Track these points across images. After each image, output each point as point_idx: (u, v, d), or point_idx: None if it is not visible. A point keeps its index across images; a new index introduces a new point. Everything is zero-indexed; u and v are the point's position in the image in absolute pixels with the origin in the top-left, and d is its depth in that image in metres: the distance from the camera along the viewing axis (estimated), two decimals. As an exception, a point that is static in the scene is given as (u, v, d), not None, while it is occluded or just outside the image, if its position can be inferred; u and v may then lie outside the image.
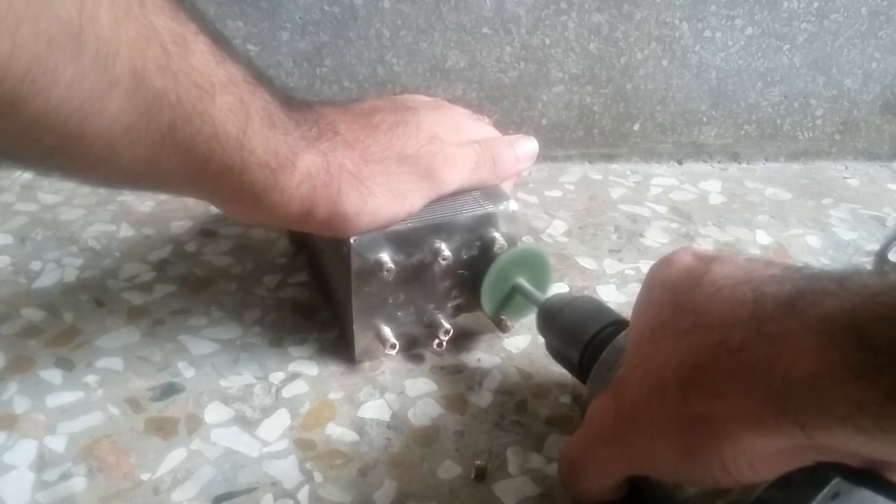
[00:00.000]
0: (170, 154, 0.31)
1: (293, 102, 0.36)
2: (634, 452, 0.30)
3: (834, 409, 0.22)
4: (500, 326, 0.43)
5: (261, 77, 0.34)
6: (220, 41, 0.32)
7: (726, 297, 0.27)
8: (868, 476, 0.25)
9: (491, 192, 0.42)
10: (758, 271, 0.28)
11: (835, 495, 0.26)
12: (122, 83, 0.28)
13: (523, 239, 0.55)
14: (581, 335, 0.37)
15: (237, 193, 0.34)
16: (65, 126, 0.28)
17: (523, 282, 0.42)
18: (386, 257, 0.39)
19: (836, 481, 0.25)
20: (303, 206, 0.36)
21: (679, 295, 0.29)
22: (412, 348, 0.43)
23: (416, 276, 0.40)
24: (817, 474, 0.26)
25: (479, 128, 0.45)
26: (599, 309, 0.38)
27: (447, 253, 0.40)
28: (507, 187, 0.44)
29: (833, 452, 0.25)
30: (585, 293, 0.49)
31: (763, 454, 0.25)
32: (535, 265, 0.42)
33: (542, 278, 0.43)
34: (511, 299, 0.42)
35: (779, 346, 0.24)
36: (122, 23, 0.28)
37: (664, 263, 0.32)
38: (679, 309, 0.29)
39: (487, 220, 0.41)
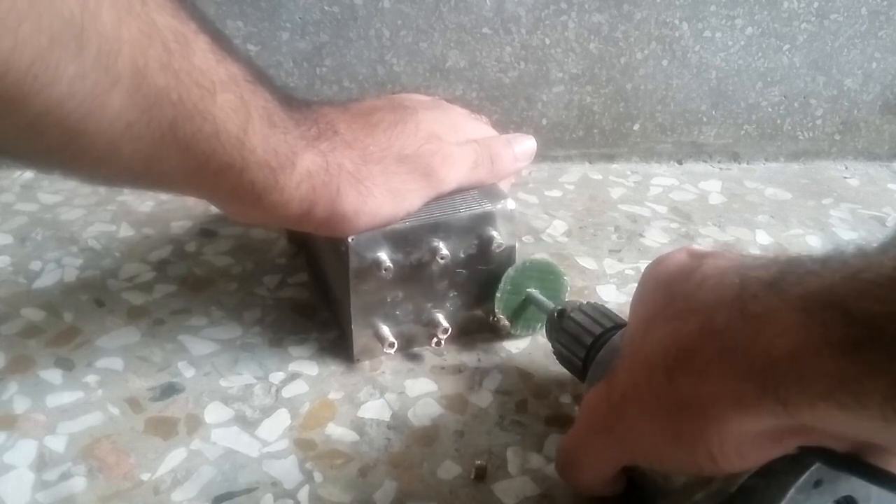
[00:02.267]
0: (170, 152, 0.31)
1: (293, 102, 0.36)
2: (625, 441, 0.30)
3: (815, 384, 0.22)
4: (498, 329, 0.43)
5: (261, 76, 0.34)
6: (220, 40, 0.32)
7: (714, 285, 0.28)
8: (851, 461, 0.25)
9: (489, 191, 0.42)
10: (746, 262, 0.28)
11: (817, 482, 0.26)
12: (124, 81, 0.28)
13: (529, 238, 0.55)
14: (584, 339, 0.37)
15: (237, 193, 0.34)
16: (66, 123, 0.28)
17: (535, 291, 0.42)
18: (384, 256, 0.39)
19: (816, 467, 0.25)
20: (302, 205, 0.36)
21: (671, 287, 0.30)
22: (410, 347, 0.43)
23: (414, 274, 0.40)
24: (799, 461, 0.26)
25: (477, 127, 0.45)
26: (604, 313, 0.38)
27: (445, 252, 0.40)
28: (504, 186, 0.44)
29: (817, 435, 0.25)
30: (585, 293, 0.49)
31: (748, 438, 0.25)
32: (551, 278, 0.43)
33: (557, 290, 0.43)
34: (525, 310, 0.43)
35: (760, 323, 0.24)
36: (124, 20, 0.28)
37: (659, 262, 0.33)
38: (669, 299, 0.29)
39: (485, 219, 0.41)
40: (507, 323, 0.43)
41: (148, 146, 0.31)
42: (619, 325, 0.37)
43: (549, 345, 0.40)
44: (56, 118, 0.27)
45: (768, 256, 0.29)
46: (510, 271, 0.42)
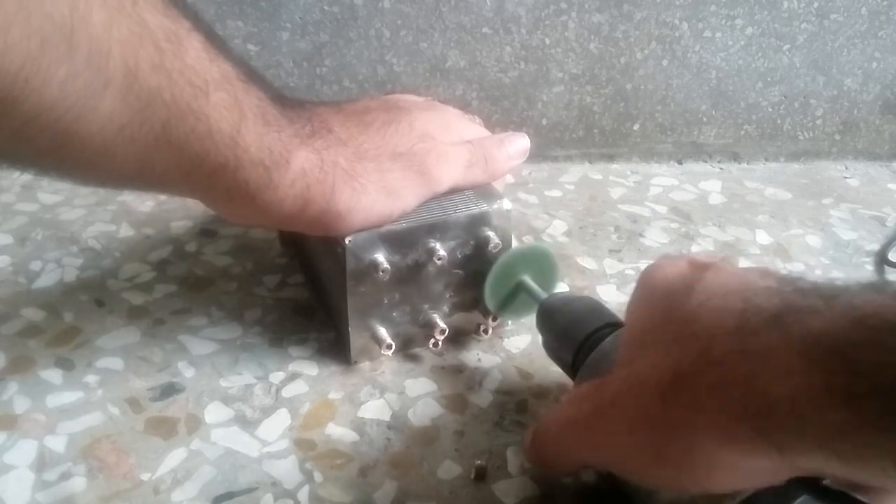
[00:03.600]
0: (164, 153, 0.31)
1: (286, 101, 0.36)
2: (602, 446, 0.30)
3: (813, 433, 0.22)
4: (482, 328, 0.43)
5: (253, 75, 0.34)
6: (212, 38, 0.32)
7: (715, 307, 0.27)
8: (839, 496, 0.25)
9: (484, 192, 0.42)
10: (752, 281, 0.27)
11: None
12: (116, 82, 0.28)
13: (529, 238, 0.55)
14: (576, 335, 0.36)
15: (231, 192, 0.34)
16: (57, 126, 0.28)
17: (528, 279, 0.42)
18: (381, 258, 0.39)
19: (802, 499, 0.25)
20: (296, 204, 0.36)
21: (672, 301, 0.29)
22: (408, 348, 0.43)
23: (411, 276, 0.40)
24: (785, 493, 0.25)
25: (470, 127, 0.45)
26: (597, 309, 0.38)
27: (442, 252, 0.40)
28: (498, 186, 0.44)
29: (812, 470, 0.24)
30: (585, 293, 0.49)
31: (740, 468, 0.25)
32: (542, 264, 0.42)
33: (548, 277, 0.43)
34: (515, 297, 0.42)
35: (760, 363, 0.24)
36: (115, 21, 0.28)
37: (658, 267, 0.32)
38: (670, 315, 0.29)
39: (481, 220, 0.41)
40: (488, 328, 0.43)
41: (141, 148, 0.30)
42: (612, 323, 0.36)
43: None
44: (47, 121, 0.27)
45: (773, 276, 0.28)
46: (503, 257, 0.41)
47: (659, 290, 0.30)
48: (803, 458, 0.23)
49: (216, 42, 0.32)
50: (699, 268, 0.30)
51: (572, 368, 0.37)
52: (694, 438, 0.25)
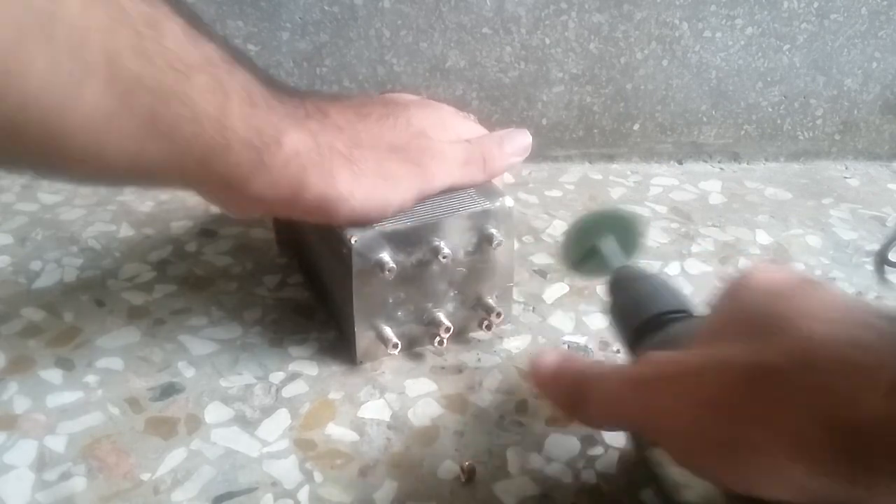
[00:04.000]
0: (153, 143, 0.31)
1: (277, 84, 0.36)
2: (663, 413, 0.27)
3: None
4: (485, 324, 0.43)
5: (239, 57, 0.34)
6: (195, 23, 0.32)
7: (826, 315, 0.25)
8: None
9: (486, 190, 0.42)
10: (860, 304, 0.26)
11: None
12: (98, 70, 0.28)
13: (530, 238, 0.55)
14: (648, 309, 0.35)
15: (224, 178, 0.34)
16: (44, 118, 0.28)
17: (609, 241, 0.40)
18: (387, 257, 0.39)
19: None
20: (291, 186, 0.35)
21: (775, 297, 0.27)
22: (413, 347, 0.43)
23: (415, 274, 0.40)
24: None
25: (467, 126, 0.45)
26: (674, 293, 0.36)
27: (447, 251, 0.40)
28: (497, 183, 0.44)
29: None
30: (585, 293, 0.49)
31: (799, 484, 0.23)
32: (627, 231, 0.41)
33: (629, 246, 0.41)
34: (591, 259, 0.41)
35: (865, 378, 0.22)
36: (90, 7, 0.28)
37: (760, 269, 0.30)
38: (771, 309, 0.27)
39: (485, 217, 0.41)
40: (491, 324, 0.43)
41: (130, 137, 0.30)
42: (685, 310, 0.35)
43: (552, 344, 0.40)
44: (33, 114, 0.27)
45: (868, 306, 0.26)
46: (587, 215, 0.40)
47: (762, 287, 0.28)
48: (877, 488, 0.22)
49: (199, 26, 0.32)
50: (806, 280, 0.28)
51: (632, 340, 0.35)
52: (766, 435, 0.24)
